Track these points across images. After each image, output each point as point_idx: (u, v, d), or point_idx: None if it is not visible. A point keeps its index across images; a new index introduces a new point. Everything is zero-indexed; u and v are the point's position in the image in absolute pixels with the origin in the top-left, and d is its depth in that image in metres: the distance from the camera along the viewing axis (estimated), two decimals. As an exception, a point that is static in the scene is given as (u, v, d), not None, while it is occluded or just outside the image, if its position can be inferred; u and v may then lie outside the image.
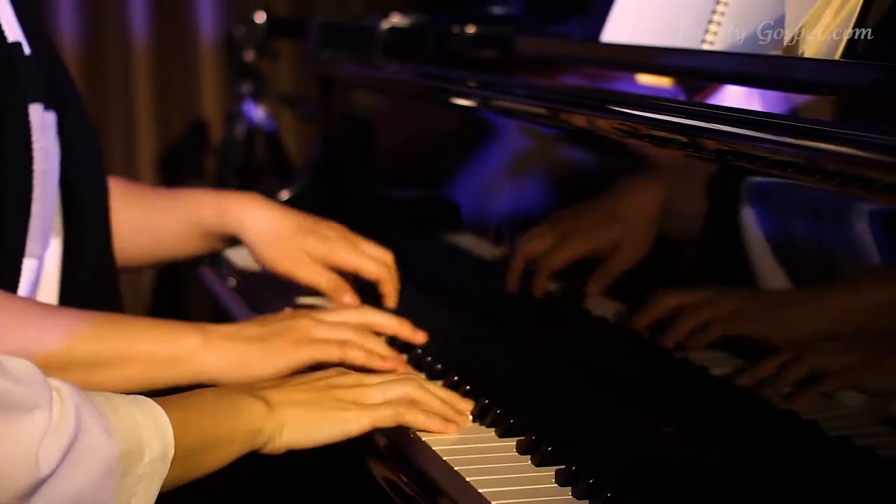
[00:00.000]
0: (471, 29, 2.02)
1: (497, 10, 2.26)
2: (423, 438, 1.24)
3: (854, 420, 1.05)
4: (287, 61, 3.46)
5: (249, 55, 2.96)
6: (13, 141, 1.39)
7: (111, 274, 1.60)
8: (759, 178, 1.13)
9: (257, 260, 1.68)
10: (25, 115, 1.41)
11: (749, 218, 1.16)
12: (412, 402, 1.27)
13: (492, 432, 1.26)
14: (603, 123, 1.36)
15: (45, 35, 1.56)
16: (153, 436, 1.11)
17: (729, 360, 1.19)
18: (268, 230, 1.66)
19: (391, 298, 1.65)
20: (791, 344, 1.11)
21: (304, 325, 1.44)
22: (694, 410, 1.25)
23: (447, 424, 1.26)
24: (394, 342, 1.51)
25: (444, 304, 1.73)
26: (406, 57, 2.11)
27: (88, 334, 1.37)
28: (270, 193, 2.20)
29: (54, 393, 1.05)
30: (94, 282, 1.57)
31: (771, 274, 1.14)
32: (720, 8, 1.44)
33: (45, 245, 1.46)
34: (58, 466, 1.03)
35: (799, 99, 1.22)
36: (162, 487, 1.12)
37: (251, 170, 3.07)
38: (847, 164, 1.01)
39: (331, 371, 1.31)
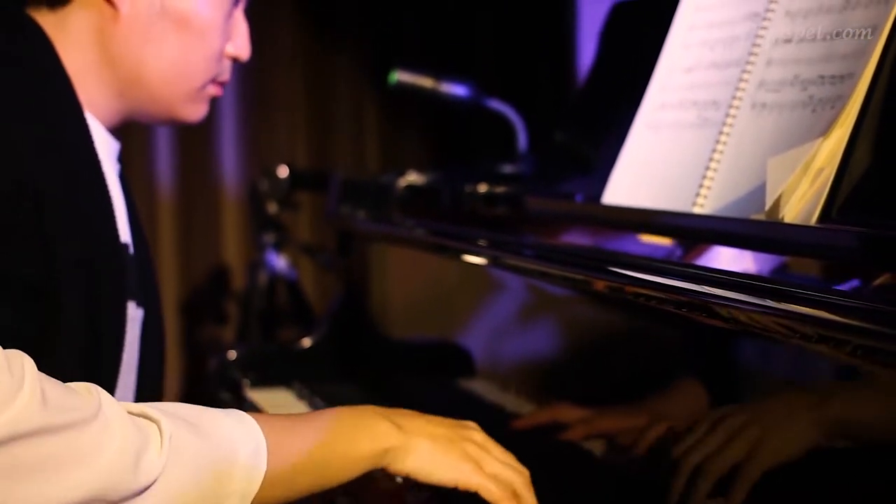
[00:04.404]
0: (483, 187, 2.06)
1: (507, 168, 2.30)
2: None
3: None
4: (306, 211, 3.53)
5: (272, 207, 3.03)
6: (109, 337, 1.43)
7: None
8: (742, 337, 1.21)
9: None
10: (124, 311, 1.45)
11: (734, 373, 1.24)
12: (515, 495, 1.29)
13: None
14: (601, 284, 1.44)
15: (143, 233, 1.62)
16: (244, 436, 1.16)
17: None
18: None
19: None
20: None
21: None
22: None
23: None
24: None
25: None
26: (421, 213, 2.14)
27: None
28: (292, 341, 2.25)
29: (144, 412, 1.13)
30: None
31: (751, 424, 1.20)
32: (710, 174, 1.53)
33: None
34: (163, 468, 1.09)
35: (780, 260, 1.29)
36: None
37: (273, 317, 3.12)
38: (821, 327, 1.09)
39: (467, 423, 1.35)
